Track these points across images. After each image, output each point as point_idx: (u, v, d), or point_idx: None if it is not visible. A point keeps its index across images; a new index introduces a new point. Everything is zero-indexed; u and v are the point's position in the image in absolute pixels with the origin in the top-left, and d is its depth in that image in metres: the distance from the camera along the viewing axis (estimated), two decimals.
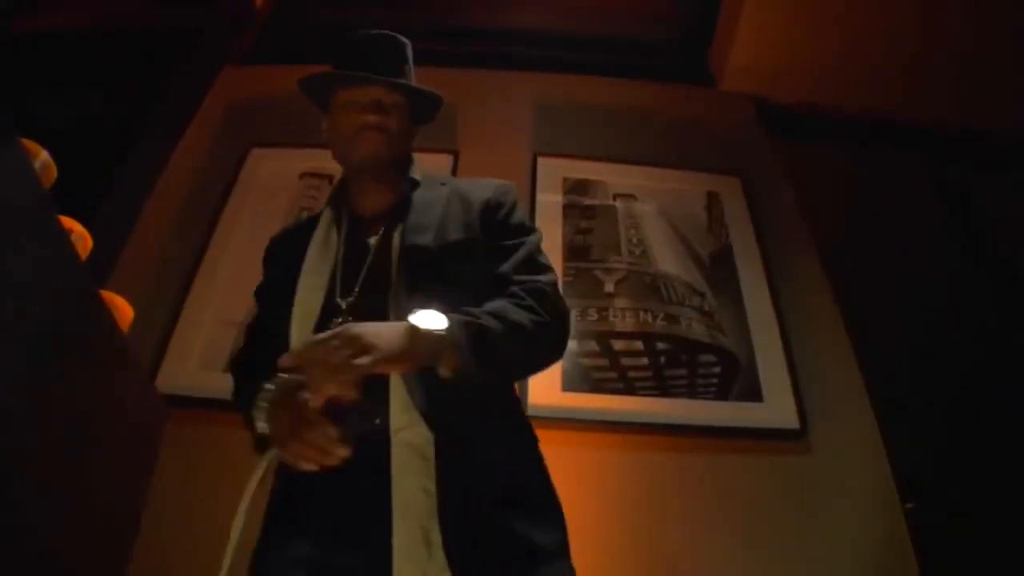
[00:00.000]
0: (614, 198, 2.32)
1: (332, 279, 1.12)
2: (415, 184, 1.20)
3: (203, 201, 2.23)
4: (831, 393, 1.91)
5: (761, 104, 2.68)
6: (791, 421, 1.84)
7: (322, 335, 0.92)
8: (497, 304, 1.02)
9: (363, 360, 0.88)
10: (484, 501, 0.96)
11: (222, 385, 1.90)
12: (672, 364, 1.93)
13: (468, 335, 0.94)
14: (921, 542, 1.69)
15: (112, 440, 1.50)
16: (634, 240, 2.21)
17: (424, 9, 2.88)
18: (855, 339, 2.02)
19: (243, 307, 2.01)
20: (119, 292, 1.62)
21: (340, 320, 1.05)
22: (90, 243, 1.42)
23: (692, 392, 1.90)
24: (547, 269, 1.14)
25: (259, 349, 1.20)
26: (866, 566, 1.66)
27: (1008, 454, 2.29)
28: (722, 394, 1.90)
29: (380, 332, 0.92)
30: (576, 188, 2.32)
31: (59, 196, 1.28)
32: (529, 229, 1.19)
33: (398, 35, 1.25)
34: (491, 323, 0.97)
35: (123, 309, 1.57)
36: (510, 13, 2.95)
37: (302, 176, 2.33)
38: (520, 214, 1.21)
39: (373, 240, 1.15)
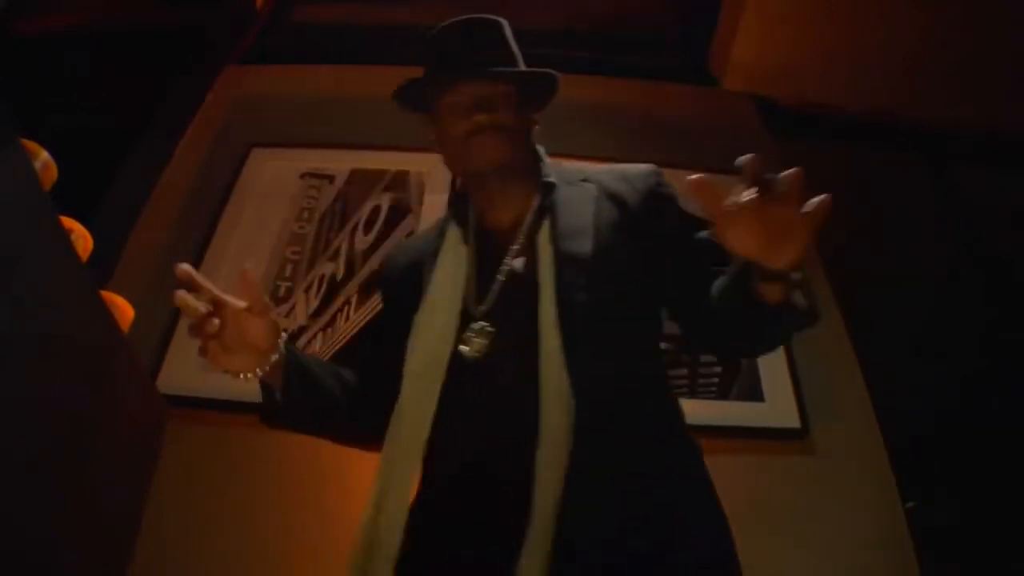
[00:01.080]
0: None
1: (465, 294, 1.00)
2: (550, 187, 1.05)
3: (203, 201, 2.23)
4: (832, 393, 1.91)
5: (762, 103, 2.68)
6: (792, 420, 1.84)
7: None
8: None
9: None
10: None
11: (222, 385, 1.91)
12: (673, 363, 1.93)
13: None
14: (921, 542, 1.69)
15: (112, 440, 1.50)
16: None
17: (424, 9, 2.88)
18: (855, 339, 2.02)
19: None
20: (119, 292, 1.62)
21: (477, 327, 0.96)
22: (90, 243, 1.42)
23: (693, 391, 1.90)
24: None
25: (374, 363, 1.12)
26: (866, 566, 1.66)
27: (1008, 454, 2.29)
28: (723, 393, 1.90)
29: None
30: None
31: (59, 196, 1.28)
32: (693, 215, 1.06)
33: (489, 16, 1.10)
34: None
35: (123, 309, 1.57)
36: (510, 13, 2.95)
37: (302, 176, 2.33)
38: (681, 202, 1.07)
39: (512, 250, 1.01)
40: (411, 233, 2.15)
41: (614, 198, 1.03)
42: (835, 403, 1.89)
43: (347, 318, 2.00)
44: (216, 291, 0.86)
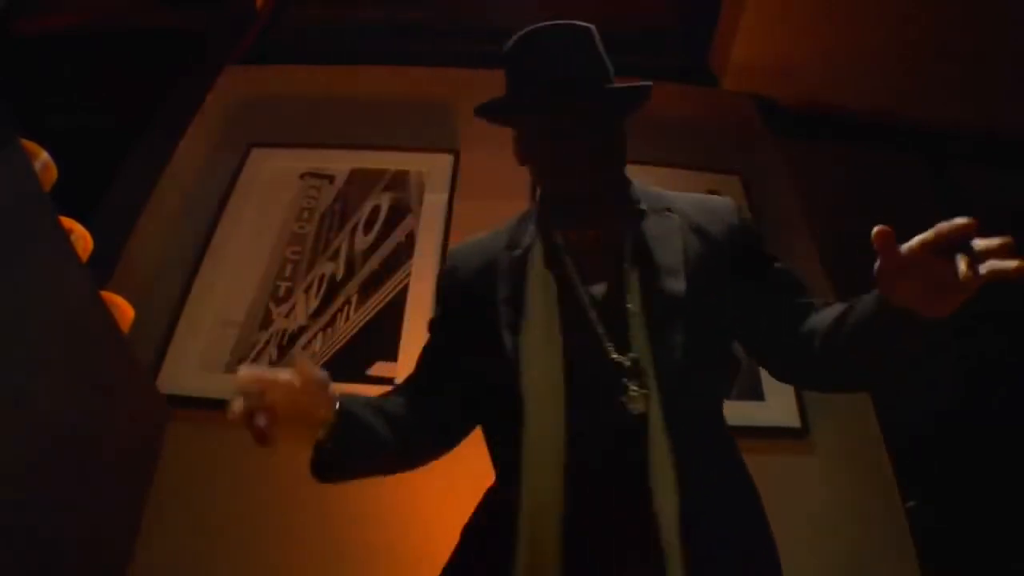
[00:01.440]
0: None
1: (574, 332, 0.96)
2: (641, 213, 1.03)
3: (203, 201, 2.23)
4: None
5: (762, 103, 2.68)
6: (792, 420, 1.84)
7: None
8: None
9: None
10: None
11: (222, 385, 1.91)
12: None
13: None
14: (921, 542, 1.69)
15: (112, 440, 1.50)
16: None
17: (423, 8, 2.88)
18: None
19: (243, 307, 2.01)
20: (119, 292, 1.63)
21: (636, 383, 0.91)
22: (90, 243, 1.42)
23: None
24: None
25: (429, 374, 1.08)
26: (866, 566, 1.66)
27: (1009, 454, 2.29)
28: None
29: None
30: None
31: (59, 196, 1.29)
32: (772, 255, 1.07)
33: (576, 24, 1.04)
34: None
35: (123, 309, 1.57)
36: (510, 12, 2.95)
37: (302, 176, 2.33)
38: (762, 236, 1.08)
39: (605, 282, 0.99)
40: (411, 233, 2.16)
41: (699, 231, 1.02)
42: (835, 403, 1.89)
43: (347, 318, 2.00)
44: (268, 376, 0.82)
